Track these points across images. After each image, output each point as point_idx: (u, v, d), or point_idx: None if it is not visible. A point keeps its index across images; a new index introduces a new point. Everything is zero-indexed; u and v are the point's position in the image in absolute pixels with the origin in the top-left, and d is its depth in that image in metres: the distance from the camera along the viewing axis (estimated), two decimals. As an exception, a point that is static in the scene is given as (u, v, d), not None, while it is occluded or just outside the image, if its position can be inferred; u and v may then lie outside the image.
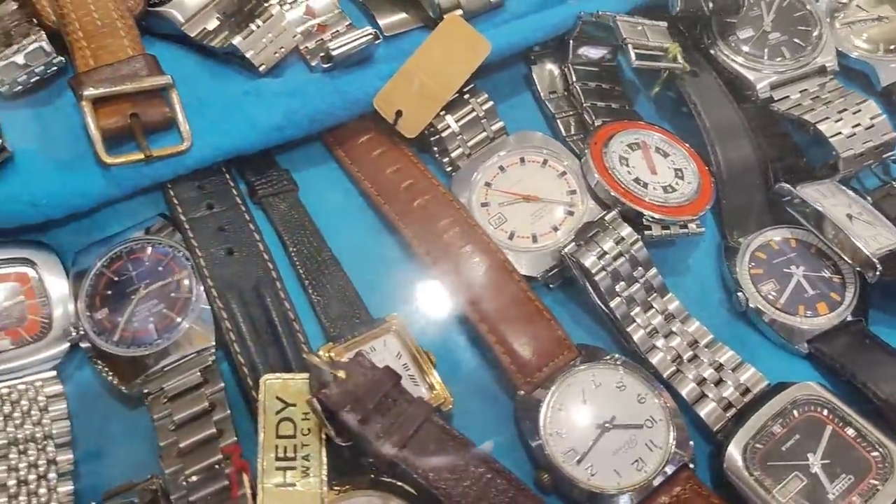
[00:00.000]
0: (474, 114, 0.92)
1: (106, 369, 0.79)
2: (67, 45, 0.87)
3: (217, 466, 0.74)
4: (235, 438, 0.76)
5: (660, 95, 0.98)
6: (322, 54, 0.90)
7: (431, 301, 0.86)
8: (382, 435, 0.73)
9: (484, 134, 0.93)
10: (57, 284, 0.83)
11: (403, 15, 0.99)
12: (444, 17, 0.94)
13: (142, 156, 0.83)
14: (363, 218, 0.91)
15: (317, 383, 0.76)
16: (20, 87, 0.89)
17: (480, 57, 0.92)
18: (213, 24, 0.96)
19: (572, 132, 0.96)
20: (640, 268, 0.84)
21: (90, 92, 0.82)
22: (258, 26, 0.91)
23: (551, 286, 0.88)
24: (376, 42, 0.90)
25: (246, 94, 0.89)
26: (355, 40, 0.89)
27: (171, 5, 0.96)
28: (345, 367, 0.76)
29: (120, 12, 0.89)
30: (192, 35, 0.95)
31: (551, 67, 1.00)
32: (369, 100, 0.90)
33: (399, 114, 0.90)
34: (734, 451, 0.78)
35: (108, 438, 0.80)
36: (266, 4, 0.96)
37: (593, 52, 0.99)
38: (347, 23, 0.97)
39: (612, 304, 0.84)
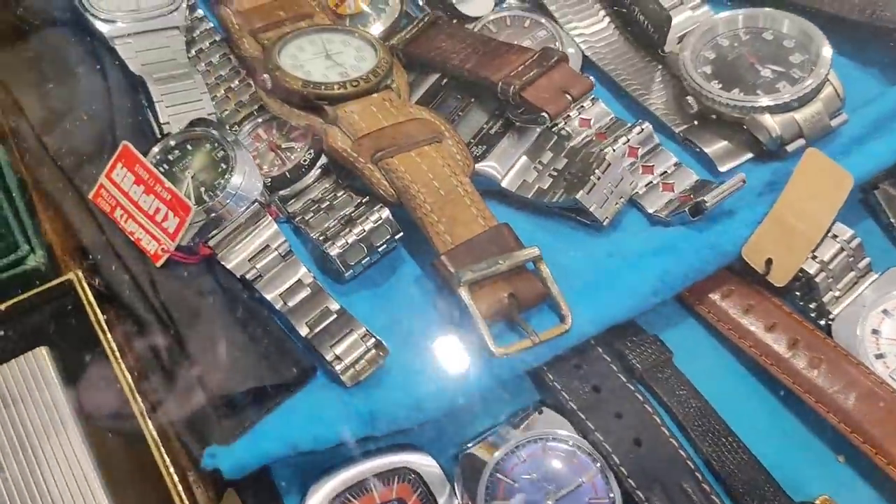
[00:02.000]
0: (843, 253, 0.84)
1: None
2: (417, 221, 0.80)
3: None
4: None
5: None
6: (688, 206, 0.82)
7: (851, 475, 0.78)
8: None
9: (852, 273, 0.85)
10: (442, 491, 0.74)
11: (727, 144, 0.91)
12: (788, 148, 0.87)
13: (529, 343, 0.74)
14: (744, 381, 0.82)
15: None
16: (361, 269, 0.81)
17: (845, 192, 0.84)
18: (531, 175, 0.89)
19: (934, 261, 0.88)
20: None
21: (468, 277, 0.74)
22: (598, 178, 0.84)
23: (968, 442, 0.79)
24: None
25: (610, 257, 0.81)
26: (728, 190, 0.81)
27: (485, 163, 0.89)
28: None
29: (458, 178, 0.82)
30: (513, 190, 0.89)
31: (890, 189, 0.93)
32: (737, 251, 0.82)
33: (769, 262, 0.82)
34: None
35: None
36: (574, 143, 0.90)
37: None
38: (674, 161, 0.90)
39: None
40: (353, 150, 0.83)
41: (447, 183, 0.81)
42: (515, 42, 0.99)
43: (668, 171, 0.90)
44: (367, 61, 0.92)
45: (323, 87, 0.87)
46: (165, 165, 0.85)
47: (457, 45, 0.96)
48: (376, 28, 1.02)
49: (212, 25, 1.03)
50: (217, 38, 1.02)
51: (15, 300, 0.79)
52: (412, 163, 0.82)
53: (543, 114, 0.86)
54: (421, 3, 1.05)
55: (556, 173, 0.88)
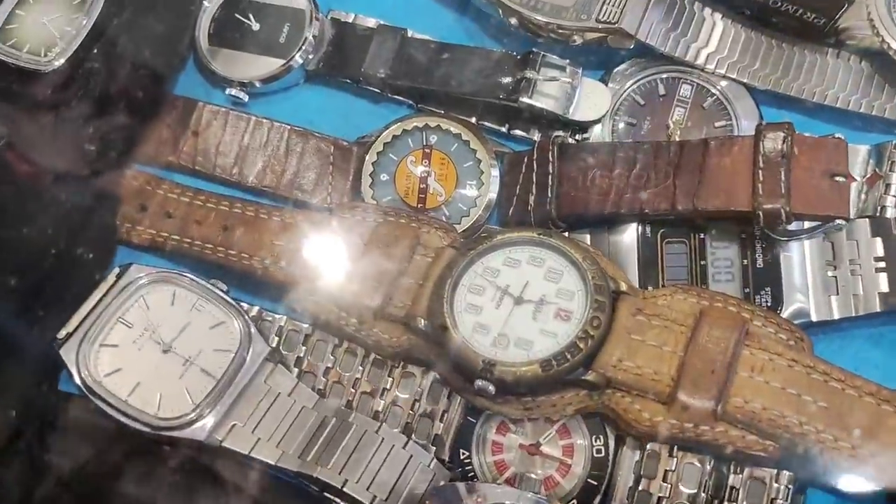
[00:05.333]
0: None
1: None
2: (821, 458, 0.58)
3: None
4: None
5: None
6: None
7: None
8: None
9: None
10: None
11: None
12: None
13: None
14: None
15: None
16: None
17: None
18: (831, 287, 0.67)
19: None
20: None
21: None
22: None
23: None
24: None
25: None
26: None
27: (789, 310, 0.66)
28: None
29: (814, 370, 0.58)
30: (828, 317, 0.67)
31: None
32: None
33: None
34: None
35: None
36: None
37: None
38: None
39: None
40: (682, 419, 0.59)
41: (815, 387, 0.59)
42: (669, 122, 0.75)
43: (952, 183, 0.71)
44: (565, 274, 0.65)
45: (568, 354, 0.61)
46: (463, 588, 0.59)
47: (623, 174, 0.70)
48: (485, 195, 0.74)
49: (284, 317, 0.72)
50: (308, 331, 0.72)
51: None
52: (758, 388, 0.59)
53: (838, 221, 0.64)
54: (506, 130, 0.78)
55: (856, 267, 0.68)
